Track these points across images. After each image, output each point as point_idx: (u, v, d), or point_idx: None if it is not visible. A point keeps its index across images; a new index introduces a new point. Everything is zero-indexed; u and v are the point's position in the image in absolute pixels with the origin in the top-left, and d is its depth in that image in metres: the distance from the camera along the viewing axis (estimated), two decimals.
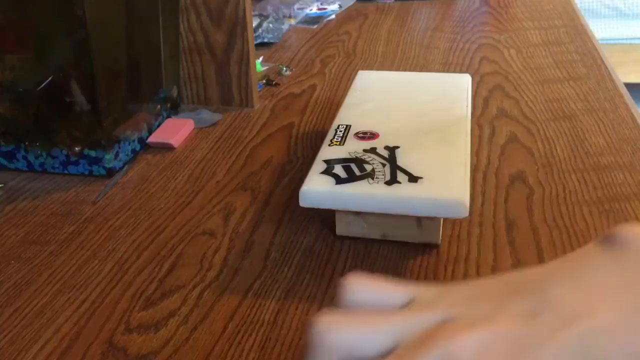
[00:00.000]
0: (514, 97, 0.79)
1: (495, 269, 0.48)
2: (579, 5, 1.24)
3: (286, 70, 0.92)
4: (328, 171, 0.50)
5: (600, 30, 2.42)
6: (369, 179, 0.49)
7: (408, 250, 0.51)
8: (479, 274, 0.48)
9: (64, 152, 0.63)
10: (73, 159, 0.63)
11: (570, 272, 0.26)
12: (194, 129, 0.74)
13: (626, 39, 2.47)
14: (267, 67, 0.93)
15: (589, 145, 0.66)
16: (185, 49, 0.78)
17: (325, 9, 1.21)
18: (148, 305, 0.46)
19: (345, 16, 1.20)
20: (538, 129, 0.70)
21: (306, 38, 1.07)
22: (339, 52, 1.00)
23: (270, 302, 0.46)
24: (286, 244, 0.52)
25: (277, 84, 0.87)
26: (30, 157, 0.64)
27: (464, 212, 0.46)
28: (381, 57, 0.97)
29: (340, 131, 0.57)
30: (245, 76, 0.78)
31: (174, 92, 0.78)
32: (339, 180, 0.49)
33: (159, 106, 0.74)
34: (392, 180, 0.49)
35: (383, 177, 0.49)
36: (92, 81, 0.60)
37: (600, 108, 0.74)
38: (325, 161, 0.52)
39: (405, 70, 0.91)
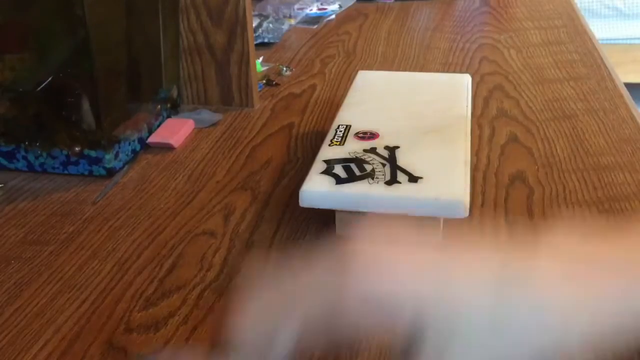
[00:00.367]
0: (514, 97, 0.79)
1: None
2: (579, 5, 1.24)
3: (286, 70, 0.92)
4: (328, 171, 0.50)
5: (600, 30, 2.42)
6: (369, 179, 0.49)
7: None
8: None
9: (64, 152, 0.63)
10: (73, 159, 0.63)
11: None
12: (194, 129, 0.74)
13: (626, 39, 2.47)
14: (267, 67, 0.93)
15: (589, 145, 0.66)
16: (185, 49, 0.78)
17: (325, 9, 1.21)
18: (148, 305, 0.46)
19: (345, 16, 1.20)
20: (538, 129, 0.70)
21: (306, 38, 1.07)
22: (339, 52, 1.00)
23: None
24: (286, 244, 0.52)
25: (277, 84, 0.87)
26: (30, 157, 0.64)
27: (464, 212, 0.46)
28: (381, 57, 0.97)
29: (340, 131, 0.57)
30: (245, 76, 0.78)
31: (174, 92, 0.78)
32: (339, 180, 0.49)
33: (159, 106, 0.74)
34: (392, 180, 0.49)
35: (383, 177, 0.49)
36: (92, 81, 0.60)
37: (600, 108, 0.74)
38: (325, 161, 0.52)
39: (405, 70, 0.91)
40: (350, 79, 0.84)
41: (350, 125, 0.57)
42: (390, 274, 0.29)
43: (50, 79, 0.60)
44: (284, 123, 0.75)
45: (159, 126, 0.72)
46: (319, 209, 0.50)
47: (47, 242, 0.53)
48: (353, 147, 0.54)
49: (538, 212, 0.55)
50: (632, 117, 0.72)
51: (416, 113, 0.60)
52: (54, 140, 0.63)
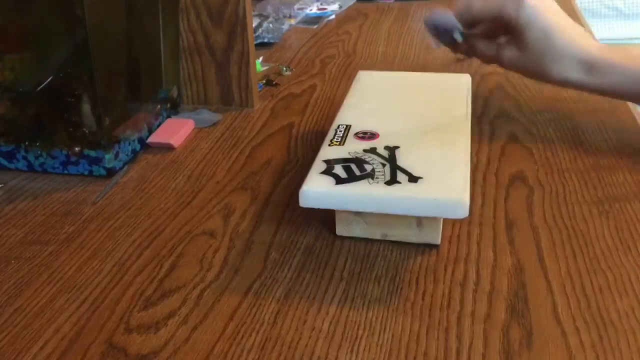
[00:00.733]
0: (514, 97, 0.79)
1: (495, 269, 0.48)
2: (579, 5, 1.23)
3: (286, 70, 0.92)
4: (328, 171, 0.50)
5: (600, 30, 2.42)
6: (369, 179, 0.49)
7: (408, 250, 0.51)
8: (479, 274, 0.48)
9: (64, 152, 0.63)
10: (73, 159, 0.63)
11: None
12: (194, 129, 0.74)
13: (626, 39, 2.47)
14: (267, 67, 0.93)
15: (589, 145, 0.66)
16: (185, 49, 0.78)
17: (325, 9, 1.21)
18: (148, 305, 0.46)
19: (345, 16, 1.20)
20: (538, 129, 0.70)
21: (306, 38, 1.07)
22: (339, 52, 1.00)
23: (270, 302, 0.46)
24: (286, 244, 0.52)
25: (277, 84, 0.87)
26: (30, 157, 0.64)
27: (464, 212, 0.46)
28: (381, 57, 0.97)
29: (340, 131, 0.57)
30: (245, 76, 0.78)
31: (174, 92, 0.78)
32: (338, 181, 0.49)
33: (159, 106, 0.74)
34: (392, 181, 0.49)
35: (383, 177, 0.49)
36: (92, 81, 0.60)
37: (600, 108, 0.74)
38: (325, 161, 0.52)
39: (405, 70, 0.91)
40: (350, 79, 0.84)
41: (350, 125, 0.57)
42: None
43: (50, 79, 0.60)
44: (283, 123, 0.75)
45: (159, 126, 0.72)
46: (319, 209, 0.50)
47: (47, 242, 0.53)
48: (353, 147, 0.54)
49: (538, 212, 0.55)
50: (632, 117, 0.72)
51: (416, 113, 0.60)
52: (54, 140, 0.63)
